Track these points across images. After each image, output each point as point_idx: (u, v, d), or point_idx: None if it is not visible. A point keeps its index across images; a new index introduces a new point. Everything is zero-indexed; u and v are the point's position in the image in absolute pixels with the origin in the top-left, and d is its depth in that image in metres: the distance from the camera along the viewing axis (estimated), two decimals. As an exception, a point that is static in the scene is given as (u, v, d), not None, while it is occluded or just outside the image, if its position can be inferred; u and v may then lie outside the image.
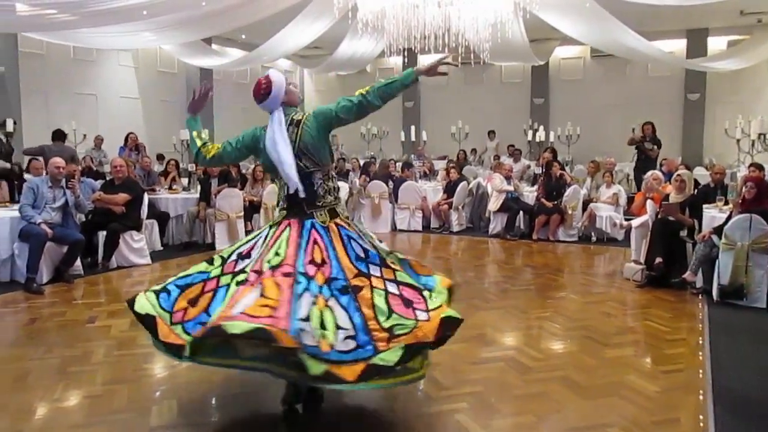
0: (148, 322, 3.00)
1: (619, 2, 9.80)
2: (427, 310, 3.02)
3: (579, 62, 17.39)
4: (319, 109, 3.35)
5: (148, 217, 7.91)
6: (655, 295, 6.05)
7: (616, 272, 7.21)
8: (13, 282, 6.45)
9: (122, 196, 7.34)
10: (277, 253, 3.09)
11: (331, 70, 17.35)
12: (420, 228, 10.55)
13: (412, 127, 15.94)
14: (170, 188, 9.66)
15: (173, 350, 2.94)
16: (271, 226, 3.33)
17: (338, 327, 2.85)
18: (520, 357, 4.25)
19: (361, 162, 12.84)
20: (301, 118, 3.31)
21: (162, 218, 8.59)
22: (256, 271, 3.05)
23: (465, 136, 15.32)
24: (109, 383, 3.75)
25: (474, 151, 16.25)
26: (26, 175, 8.81)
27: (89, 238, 7.06)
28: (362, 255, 3.18)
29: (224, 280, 3.12)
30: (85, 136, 11.79)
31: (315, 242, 3.15)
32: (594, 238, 9.42)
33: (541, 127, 14.91)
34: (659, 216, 6.53)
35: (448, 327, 2.95)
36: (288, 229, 3.22)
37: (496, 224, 9.96)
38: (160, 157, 12.68)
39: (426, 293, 3.14)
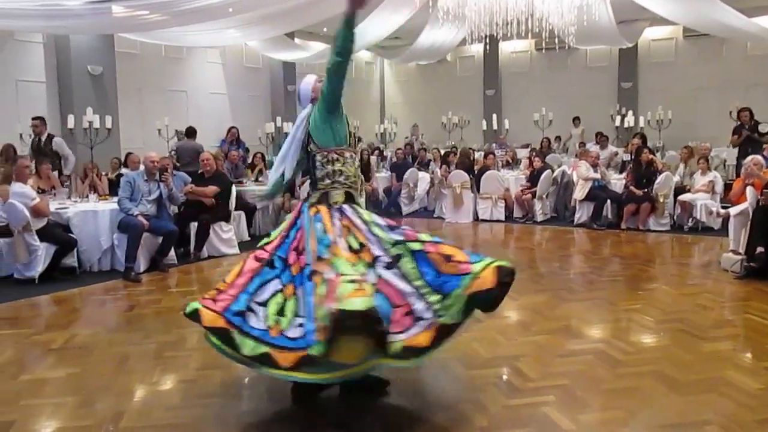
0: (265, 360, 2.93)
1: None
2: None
3: (670, 43, 16.58)
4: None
5: (235, 209, 8.16)
6: (756, 287, 5.70)
7: (712, 263, 6.86)
8: (113, 271, 6.84)
9: (212, 189, 7.61)
10: (361, 245, 3.15)
11: (411, 60, 17.30)
12: (503, 218, 10.39)
13: (494, 116, 15.69)
14: (257, 180, 9.95)
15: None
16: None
17: (296, 315, 3.00)
18: (609, 350, 4.12)
19: (442, 152, 12.78)
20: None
21: (249, 209, 8.85)
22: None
23: (549, 123, 14.94)
24: (202, 368, 3.90)
25: (558, 138, 15.85)
26: (123, 170, 9.31)
27: (182, 229, 7.37)
28: (356, 248, 3.15)
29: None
30: (176, 131, 12.30)
31: (301, 229, 3.28)
32: (688, 227, 9.00)
33: (630, 112, 14.34)
34: (760, 203, 6.14)
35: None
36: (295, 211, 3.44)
37: (582, 213, 9.68)
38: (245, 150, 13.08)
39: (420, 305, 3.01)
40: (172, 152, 11.08)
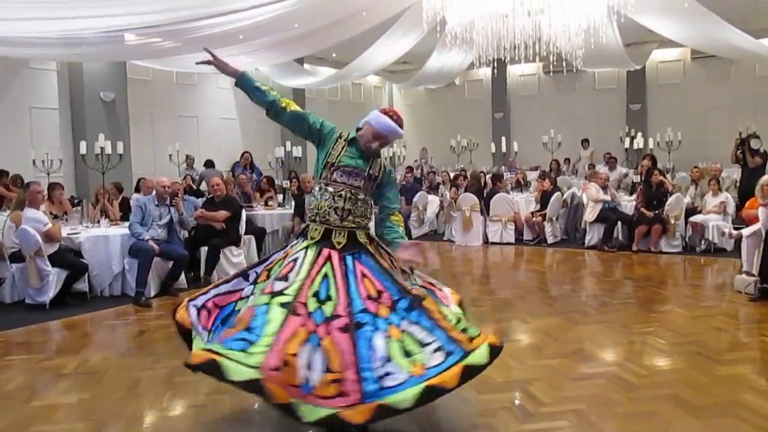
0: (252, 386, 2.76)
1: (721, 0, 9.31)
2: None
3: (678, 65, 16.63)
4: None
5: (245, 233, 8.18)
6: (771, 309, 5.64)
7: (725, 284, 6.79)
8: (124, 295, 6.85)
9: (222, 213, 7.63)
10: (329, 297, 3.01)
11: (419, 84, 17.43)
12: (512, 240, 10.35)
13: (503, 138, 15.72)
14: (266, 204, 9.98)
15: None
16: (307, 248, 3.21)
17: (422, 345, 2.89)
18: (622, 373, 4.07)
19: (452, 175, 12.80)
20: None
21: (259, 234, 8.87)
22: (302, 303, 2.96)
23: (557, 145, 14.95)
24: (213, 393, 3.88)
25: (567, 160, 15.85)
26: (134, 195, 9.37)
27: (192, 253, 7.39)
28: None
29: (262, 299, 3.01)
30: (187, 156, 12.40)
31: (363, 275, 3.12)
32: (700, 248, 8.93)
33: (639, 134, 14.33)
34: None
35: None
36: (328, 263, 3.13)
37: (593, 235, 9.63)
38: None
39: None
40: (194, 177, 11.63)
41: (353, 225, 3.25)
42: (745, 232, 6.62)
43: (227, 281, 3.38)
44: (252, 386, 2.70)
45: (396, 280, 3.16)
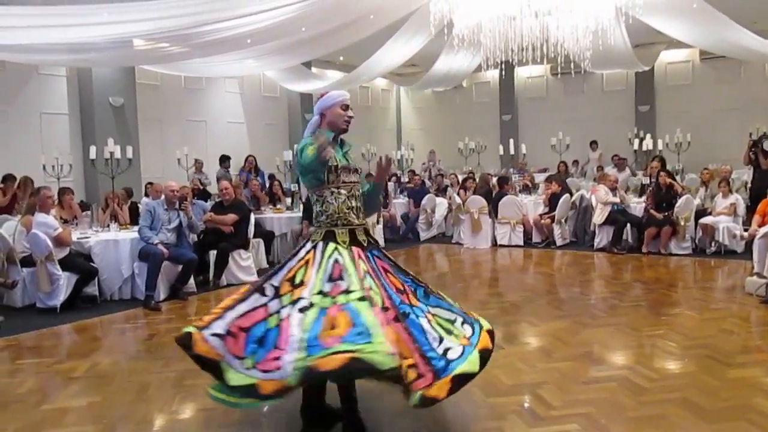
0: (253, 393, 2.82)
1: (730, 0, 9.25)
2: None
3: (687, 66, 16.54)
4: None
5: (254, 236, 8.20)
6: (783, 311, 5.60)
7: (736, 287, 6.75)
8: (133, 299, 6.88)
9: (231, 217, 7.66)
10: (372, 290, 3.06)
11: (427, 86, 17.41)
12: (521, 243, 10.33)
13: (511, 141, 15.69)
14: (275, 207, 10.01)
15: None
16: (337, 249, 3.20)
17: (451, 322, 3.19)
18: (633, 377, 4.05)
19: (460, 177, 12.79)
20: None
21: (268, 237, 8.89)
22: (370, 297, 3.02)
23: (566, 147, 14.89)
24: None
25: (576, 162, 15.80)
26: (144, 199, 9.42)
27: (201, 257, 7.42)
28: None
29: (342, 298, 3.00)
30: (195, 160, 12.44)
31: (385, 270, 3.28)
32: (711, 250, 8.87)
33: (648, 136, 14.25)
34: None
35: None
36: (362, 261, 3.20)
37: (602, 238, 9.60)
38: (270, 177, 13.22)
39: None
40: (202, 180, 11.66)
41: (364, 222, 3.38)
42: (759, 232, 6.55)
43: (242, 299, 3.13)
44: (394, 373, 2.77)
45: (406, 272, 3.39)
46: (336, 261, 3.14)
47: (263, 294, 3.13)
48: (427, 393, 2.82)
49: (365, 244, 3.29)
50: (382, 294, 3.07)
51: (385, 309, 3.00)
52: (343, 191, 3.29)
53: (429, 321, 3.10)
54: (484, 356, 3.09)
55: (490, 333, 3.29)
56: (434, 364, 2.91)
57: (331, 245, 3.20)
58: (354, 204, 3.33)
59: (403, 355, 2.86)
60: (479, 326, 3.28)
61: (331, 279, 3.07)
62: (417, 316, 3.08)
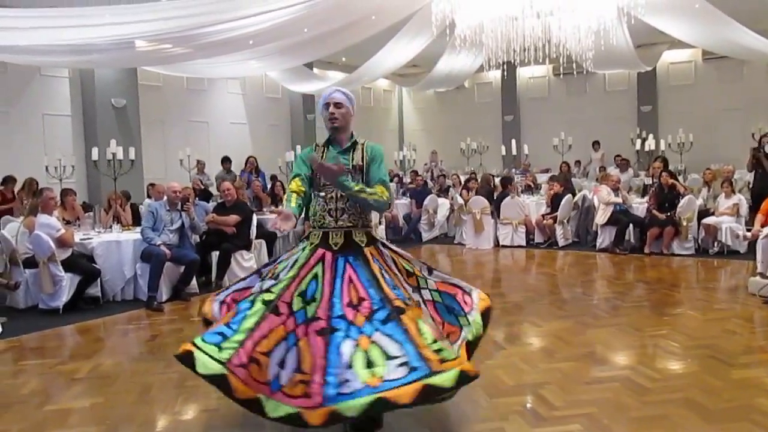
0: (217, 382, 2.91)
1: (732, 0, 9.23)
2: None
3: (689, 66, 16.53)
4: None
5: (256, 237, 8.21)
6: (786, 311, 5.59)
7: (739, 287, 6.73)
8: (136, 300, 6.89)
9: (233, 218, 7.66)
10: (314, 298, 3.06)
11: (429, 87, 17.42)
12: (524, 243, 10.32)
13: (513, 141, 15.69)
14: (277, 208, 9.98)
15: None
16: (305, 249, 3.31)
17: (389, 357, 2.84)
18: (635, 377, 4.04)
19: (462, 178, 12.78)
20: None
21: (270, 238, 8.88)
22: (286, 303, 3.03)
23: (568, 148, 14.89)
24: (224, 397, 3.87)
25: (578, 162, 15.79)
26: (146, 200, 9.43)
27: (203, 257, 7.42)
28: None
29: (251, 296, 3.19)
30: (198, 161, 12.45)
31: (350, 280, 3.11)
32: (714, 251, 8.86)
33: (650, 136, 14.25)
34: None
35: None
36: (320, 264, 3.17)
37: (604, 238, 9.58)
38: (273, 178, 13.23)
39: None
40: (204, 181, 11.58)
41: (350, 224, 3.26)
42: (761, 233, 6.55)
43: (245, 278, 3.62)
44: (216, 381, 2.85)
45: (381, 288, 3.07)
46: (295, 260, 3.25)
47: (260, 276, 3.48)
48: (303, 413, 2.78)
49: (336, 248, 3.20)
50: (323, 303, 3.02)
51: (313, 319, 2.98)
52: (321, 194, 3.30)
53: (355, 345, 2.88)
54: (383, 403, 2.73)
55: (437, 390, 2.77)
56: (326, 389, 2.79)
57: (303, 245, 3.35)
58: (334, 206, 3.25)
59: (303, 369, 2.87)
60: (422, 375, 2.75)
61: (272, 276, 3.29)
62: (344, 336, 2.92)
